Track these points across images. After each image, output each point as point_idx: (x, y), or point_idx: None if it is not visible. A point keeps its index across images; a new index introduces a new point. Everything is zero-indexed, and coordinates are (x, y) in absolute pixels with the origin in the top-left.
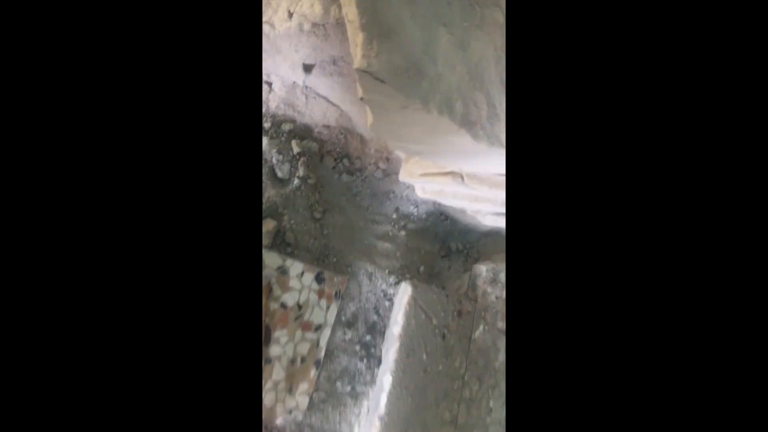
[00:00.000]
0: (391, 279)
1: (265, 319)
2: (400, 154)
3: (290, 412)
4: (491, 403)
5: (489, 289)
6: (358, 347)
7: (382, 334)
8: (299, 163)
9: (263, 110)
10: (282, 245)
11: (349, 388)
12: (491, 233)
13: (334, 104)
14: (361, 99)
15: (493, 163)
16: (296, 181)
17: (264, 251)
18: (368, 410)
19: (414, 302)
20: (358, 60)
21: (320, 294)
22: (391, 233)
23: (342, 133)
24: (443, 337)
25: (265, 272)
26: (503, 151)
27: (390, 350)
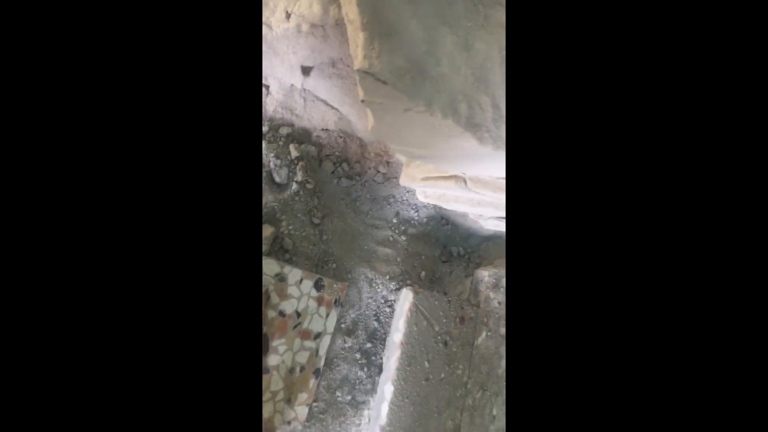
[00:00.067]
0: (392, 285)
1: (263, 328)
2: (400, 157)
3: (289, 423)
4: (494, 411)
5: (491, 295)
6: (358, 355)
7: (383, 341)
8: (297, 167)
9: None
10: (280, 252)
11: (349, 398)
12: (493, 237)
13: (333, 107)
14: (362, 101)
15: (498, 166)
16: (294, 186)
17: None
18: (369, 420)
19: (415, 309)
20: (359, 61)
21: (319, 301)
22: (391, 238)
23: (341, 137)
24: (445, 344)
25: (263, 279)
26: None
27: (391, 358)
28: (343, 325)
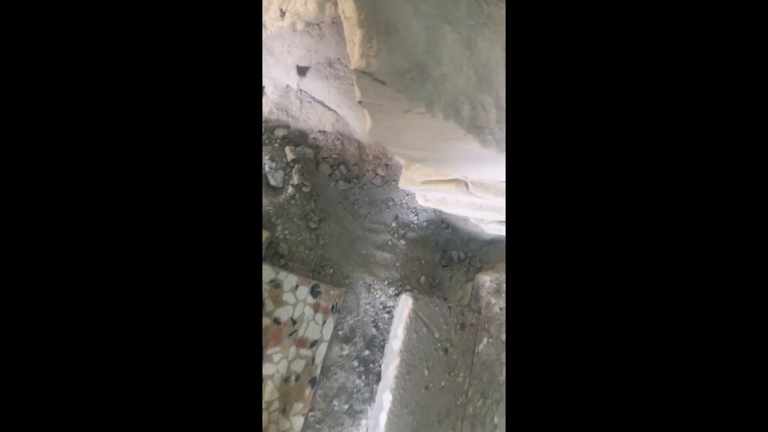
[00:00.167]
0: (391, 290)
1: None
2: (400, 160)
3: None
4: (496, 419)
5: (492, 300)
6: (356, 363)
7: (382, 348)
8: (293, 170)
9: None
10: (275, 257)
11: (346, 407)
12: (494, 241)
13: (330, 109)
14: (359, 102)
15: (501, 169)
16: (290, 190)
17: None
18: (367, 430)
19: (415, 315)
20: (355, 60)
21: (316, 308)
22: (390, 243)
23: (339, 139)
24: (445, 351)
25: None
26: None
27: (390, 366)
28: (340, 332)
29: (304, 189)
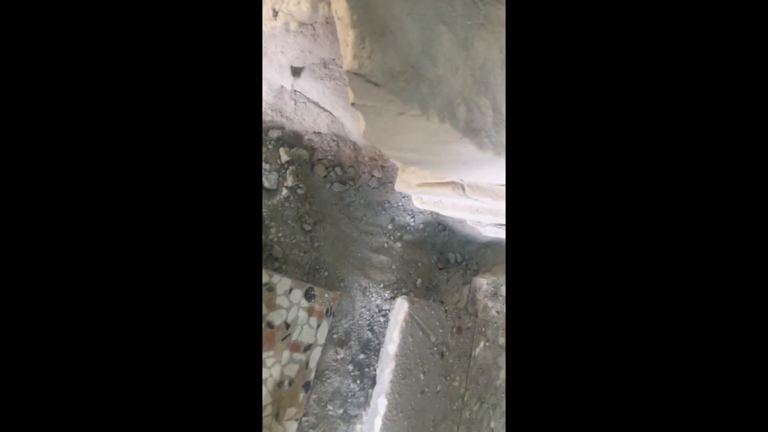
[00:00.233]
0: (387, 293)
1: None
2: (396, 162)
3: None
4: (492, 424)
5: (490, 303)
6: (350, 367)
7: (377, 352)
8: (288, 172)
9: None
10: (269, 260)
11: (341, 412)
12: (491, 244)
13: (325, 110)
14: (353, 104)
15: (498, 172)
16: (284, 191)
17: None
18: None
19: (410, 318)
20: (348, 61)
21: (310, 311)
22: (386, 245)
23: (334, 140)
24: (442, 355)
25: None
26: None
27: (385, 370)
28: (335, 336)
29: (299, 191)
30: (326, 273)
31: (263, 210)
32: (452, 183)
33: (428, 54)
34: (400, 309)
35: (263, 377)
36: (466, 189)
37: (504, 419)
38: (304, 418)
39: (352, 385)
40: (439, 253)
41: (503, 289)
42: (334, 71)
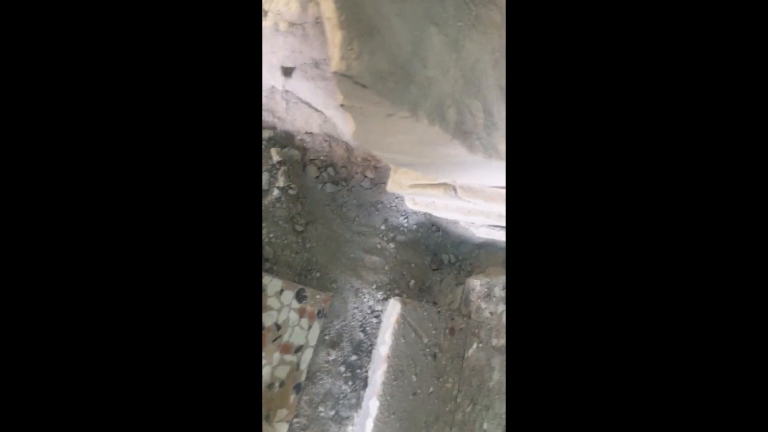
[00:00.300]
0: (379, 294)
1: None
2: (387, 163)
3: None
4: (485, 425)
5: (483, 305)
6: (342, 368)
7: (369, 353)
8: (279, 172)
9: None
10: None
11: (332, 413)
12: (485, 245)
13: (317, 110)
14: (341, 106)
15: (490, 175)
16: (276, 192)
17: None
18: None
19: (403, 320)
20: (335, 62)
21: (301, 312)
22: (379, 246)
23: (326, 141)
24: (434, 356)
25: None
26: (502, 164)
27: (377, 372)
28: (326, 337)
29: (290, 191)
30: (318, 274)
31: None
32: (444, 184)
33: (418, 55)
34: (393, 310)
35: None
36: (458, 190)
37: (497, 420)
38: (295, 420)
39: (344, 387)
40: (432, 254)
41: (497, 291)
42: (325, 71)
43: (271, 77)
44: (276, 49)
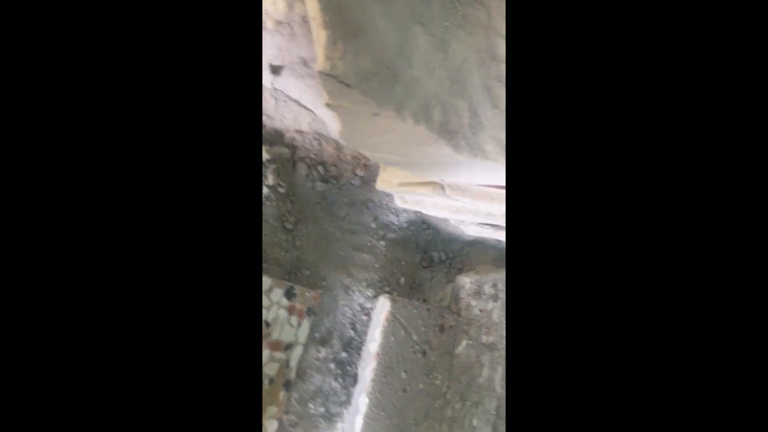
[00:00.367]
0: (369, 292)
1: None
2: (375, 161)
3: None
4: (474, 422)
5: (473, 302)
6: (332, 365)
7: (359, 350)
8: (269, 170)
9: None
10: None
11: (322, 410)
12: (475, 243)
13: (306, 108)
14: (327, 105)
15: (476, 174)
16: (265, 190)
17: None
18: None
19: (393, 317)
20: (320, 62)
21: (291, 310)
22: (369, 244)
23: (316, 139)
24: (424, 353)
25: None
26: (487, 163)
27: (367, 369)
28: (317, 335)
29: (280, 190)
30: (308, 272)
31: None
32: (432, 183)
33: (403, 55)
34: (383, 308)
35: None
36: (446, 189)
37: (486, 417)
38: (285, 417)
39: (334, 384)
40: (422, 251)
41: (486, 288)
42: (313, 70)
43: None
44: (264, 48)
